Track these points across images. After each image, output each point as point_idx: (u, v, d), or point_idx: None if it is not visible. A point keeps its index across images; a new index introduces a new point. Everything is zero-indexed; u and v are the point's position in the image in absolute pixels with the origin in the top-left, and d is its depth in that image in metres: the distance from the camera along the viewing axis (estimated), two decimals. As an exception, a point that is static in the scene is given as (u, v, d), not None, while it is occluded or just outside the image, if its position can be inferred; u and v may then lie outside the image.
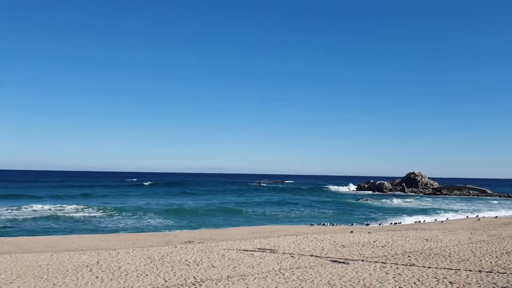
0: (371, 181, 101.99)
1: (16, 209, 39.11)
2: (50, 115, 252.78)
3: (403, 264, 13.78)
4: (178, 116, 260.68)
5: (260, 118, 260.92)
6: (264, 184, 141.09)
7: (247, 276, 11.94)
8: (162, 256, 15.24)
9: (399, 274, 12.29)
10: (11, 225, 30.75)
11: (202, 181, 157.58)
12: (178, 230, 29.70)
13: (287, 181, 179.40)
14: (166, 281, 11.35)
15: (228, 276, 11.92)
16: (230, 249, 16.79)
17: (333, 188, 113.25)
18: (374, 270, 12.85)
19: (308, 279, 11.59)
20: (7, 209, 39.21)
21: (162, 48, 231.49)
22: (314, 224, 33.45)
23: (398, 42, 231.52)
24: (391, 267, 13.33)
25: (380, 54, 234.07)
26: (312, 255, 15.53)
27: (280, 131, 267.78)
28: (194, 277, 11.80)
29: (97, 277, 11.77)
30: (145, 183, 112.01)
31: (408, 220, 39.41)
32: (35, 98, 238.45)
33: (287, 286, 10.93)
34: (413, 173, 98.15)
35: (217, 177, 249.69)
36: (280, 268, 13.06)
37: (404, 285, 11.01)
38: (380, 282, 11.29)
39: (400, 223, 36.58)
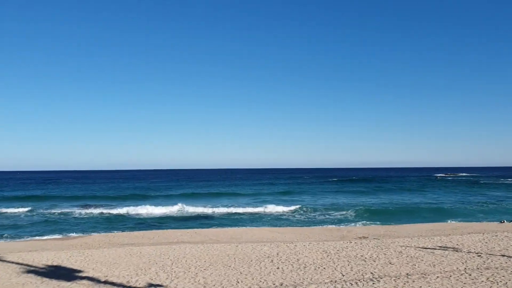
0: None
1: (211, 207, 43.28)
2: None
3: None
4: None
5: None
6: (449, 178, 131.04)
7: (428, 275, 11.35)
8: (338, 250, 15.43)
9: None
10: (205, 219, 34.54)
11: (384, 176, 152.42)
12: (351, 225, 29.67)
13: (461, 174, 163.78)
14: (343, 275, 11.49)
15: (407, 274, 11.51)
16: (407, 246, 16.15)
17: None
18: None
19: (501, 281, 10.49)
20: (203, 206, 43.80)
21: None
22: (504, 221, 29.93)
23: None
24: None
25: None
26: (503, 255, 13.99)
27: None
28: (371, 273, 11.69)
29: (278, 268, 12.50)
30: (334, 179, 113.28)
31: None
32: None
33: (475, 287, 10.08)
34: None
35: (392, 171, 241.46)
36: (465, 268, 12.09)
37: None
38: None
39: None
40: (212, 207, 42.13)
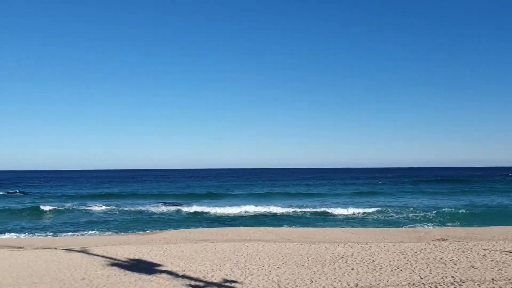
0: None
1: (282, 206, 43.46)
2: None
3: None
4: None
5: None
6: None
7: (517, 281, 10.60)
8: (415, 252, 14.85)
9: None
10: (276, 218, 34.73)
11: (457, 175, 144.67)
12: (429, 227, 28.45)
13: None
14: (422, 278, 11.04)
15: (492, 279, 10.82)
16: (492, 250, 15.18)
17: None
18: None
19: None
20: (274, 205, 44.06)
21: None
22: None
23: None
24: None
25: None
26: None
27: None
28: (452, 277, 11.13)
29: (352, 269, 12.27)
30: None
31: None
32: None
33: None
34: None
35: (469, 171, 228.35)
36: (560, 275, 11.15)
37: None
38: None
39: None
40: (283, 207, 42.21)
